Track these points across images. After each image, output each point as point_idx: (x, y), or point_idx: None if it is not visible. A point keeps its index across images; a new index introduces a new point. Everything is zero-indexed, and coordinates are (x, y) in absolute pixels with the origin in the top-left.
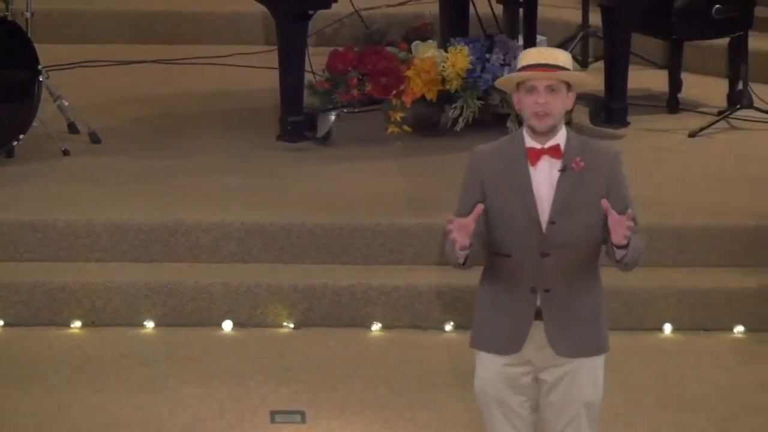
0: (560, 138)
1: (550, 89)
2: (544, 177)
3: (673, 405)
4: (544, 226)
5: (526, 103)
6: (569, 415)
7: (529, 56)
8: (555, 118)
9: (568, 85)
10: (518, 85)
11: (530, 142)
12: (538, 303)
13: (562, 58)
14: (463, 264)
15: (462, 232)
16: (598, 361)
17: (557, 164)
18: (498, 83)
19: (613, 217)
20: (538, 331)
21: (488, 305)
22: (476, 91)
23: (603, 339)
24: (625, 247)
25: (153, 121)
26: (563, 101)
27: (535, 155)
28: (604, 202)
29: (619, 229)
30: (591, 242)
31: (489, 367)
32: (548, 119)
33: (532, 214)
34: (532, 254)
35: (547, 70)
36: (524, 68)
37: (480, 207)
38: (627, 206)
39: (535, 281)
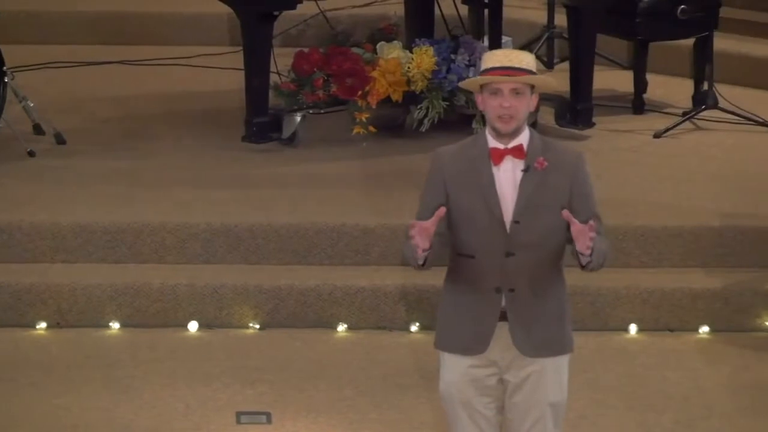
0: (523, 138)
1: (515, 92)
2: (508, 177)
3: (638, 405)
4: (508, 225)
5: (490, 106)
6: (534, 416)
7: (493, 58)
8: (519, 121)
9: (532, 87)
10: (482, 86)
11: (493, 143)
12: (503, 303)
13: (527, 60)
14: (423, 265)
15: (423, 235)
16: (562, 361)
17: (520, 164)
18: (463, 84)
19: (576, 227)
20: (503, 332)
21: (452, 306)
22: (441, 91)
23: (567, 339)
24: (590, 254)
25: (118, 122)
26: (528, 103)
27: (498, 155)
28: (566, 213)
29: (582, 238)
30: (555, 242)
31: (454, 368)
32: (513, 122)
33: (496, 213)
34: (496, 254)
35: (513, 74)
36: (489, 71)
37: (442, 210)
38: (591, 205)
39: (499, 281)
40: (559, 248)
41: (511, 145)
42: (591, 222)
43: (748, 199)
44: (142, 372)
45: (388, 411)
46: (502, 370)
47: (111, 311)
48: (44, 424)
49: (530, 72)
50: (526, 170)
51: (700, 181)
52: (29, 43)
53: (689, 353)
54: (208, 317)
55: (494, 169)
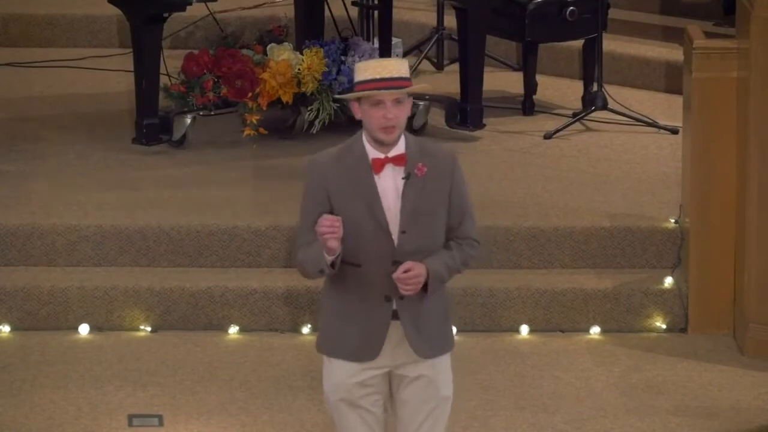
0: (401, 146)
1: (397, 102)
2: (390, 185)
3: (529, 406)
4: (395, 235)
5: (373, 117)
6: (427, 411)
7: (370, 70)
8: (401, 129)
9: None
10: (360, 97)
11: (373, 152)
12: (394, 308)
13: (403, 68)
14: (332, 267)
15: (335, 230)
16: (448, 358)
17: (400, 171)
18: (340, 97)
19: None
20: (392, 332)
21: (337, 314)
22: (332, 93)
23: (451, 336)
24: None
25: (6, 124)
26: (407, 111)
27: (379, 164)
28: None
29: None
30: (438, 243)
31: (341, 371)
32: (396, 131)
33: (382, 223)
34: (383, 263)
35: (394, 84)
36: (368, 82)
37: (339, 219)
38: (466, 205)
39: (389, 289)
40: (441, 248)
41: (392, 154)
42: (408, 266)
43: (638, 199)
44: (32, 375)
45: (280, 413)
46: (390, 367)
47: (1, 314)
48: None
49: (408, 79)
50: (406, 178)
51: (590, 182)
52: None
53: (580, 354)
54: (99, 320)
55: (375, 178)
